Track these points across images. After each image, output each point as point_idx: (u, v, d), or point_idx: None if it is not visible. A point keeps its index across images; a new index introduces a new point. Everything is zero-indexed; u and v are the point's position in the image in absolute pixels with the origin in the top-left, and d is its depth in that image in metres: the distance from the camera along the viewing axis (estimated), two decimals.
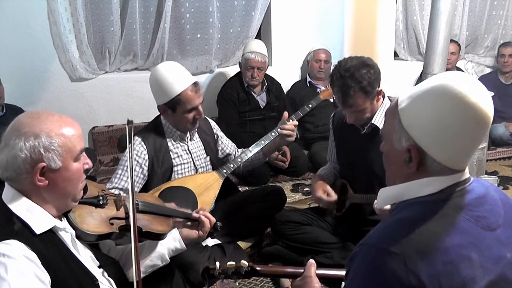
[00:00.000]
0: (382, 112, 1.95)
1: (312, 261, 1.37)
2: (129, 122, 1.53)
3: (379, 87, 1.88)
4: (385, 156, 1.04)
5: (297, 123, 2.35)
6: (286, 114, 2.38)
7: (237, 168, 2.35)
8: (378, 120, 1.94)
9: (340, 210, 2.12)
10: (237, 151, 2.52)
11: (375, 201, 1.67)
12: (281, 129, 2.33)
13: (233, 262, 1.44)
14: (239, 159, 2.35)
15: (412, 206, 0.94)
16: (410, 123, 0.93)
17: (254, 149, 2.37)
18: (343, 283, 1.18)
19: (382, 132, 1.03)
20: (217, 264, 1.45)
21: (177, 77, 2.09)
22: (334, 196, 2.08)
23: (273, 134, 2.37)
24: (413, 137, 0.92)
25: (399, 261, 0.84)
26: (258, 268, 1.44)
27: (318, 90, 3.79)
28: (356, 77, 1.80)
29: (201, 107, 2.13)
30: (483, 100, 0.89)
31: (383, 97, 1.99)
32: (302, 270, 1.37)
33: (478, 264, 0.87)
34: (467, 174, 0.97)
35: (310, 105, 2.43)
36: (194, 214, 1.64)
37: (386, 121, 1.02)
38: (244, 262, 1.44)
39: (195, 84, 2.11)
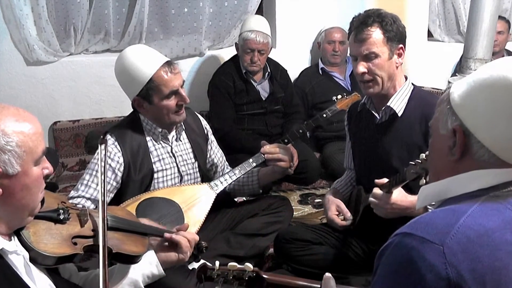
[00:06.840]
0: (402, 95, 2.03)
1: (329, 274, 1.39)
2: (103, 141, 1.54)
3: (401, 44, 2.02)
4: (430, 149, 1.13)
5: (276, 147, 2.31)
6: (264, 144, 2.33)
7: (227, 186, 2.35)
8: (396, 104, 2.02)
9: (355, 220, 2.16)
10: (226, 166, 2.53)
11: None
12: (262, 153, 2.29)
13: (235, 264, 1.48)
14: (229, 176, 2.33)
15: (457, 200, 0.98)
16: (460, 103, 1.01)
17: (238, 173, 2.32)
18: None
19: (431, 124, 1.11)
20: (217, 263, 1.48)
21: (145, 60, 2.12)
22: (349, 219, 2.15)
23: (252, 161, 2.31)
24: (460, 117, 1.00)
25: (437, 251, 0.88)
26: (264, 276, 1.47)
27: (334, 78, 3.80)
28: (379, 14, 1.99)
29: (183, 90, 2.15)
30: None
31: (406, 78, 2.08)
32: (319, 286, 1.40)
33: None
34: None
35: (325, 115, 2.44)
36: (166, 235, 1.64)
37: (436, 111, 1.09)
38: (249, 265, 1.47)
39: (168, 63, 2.15)
